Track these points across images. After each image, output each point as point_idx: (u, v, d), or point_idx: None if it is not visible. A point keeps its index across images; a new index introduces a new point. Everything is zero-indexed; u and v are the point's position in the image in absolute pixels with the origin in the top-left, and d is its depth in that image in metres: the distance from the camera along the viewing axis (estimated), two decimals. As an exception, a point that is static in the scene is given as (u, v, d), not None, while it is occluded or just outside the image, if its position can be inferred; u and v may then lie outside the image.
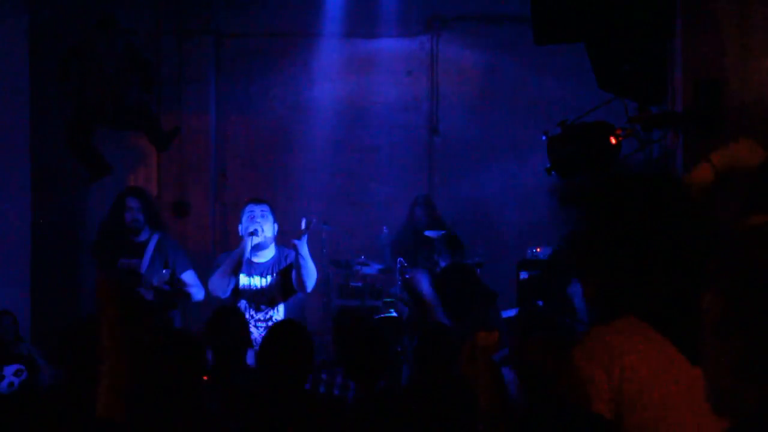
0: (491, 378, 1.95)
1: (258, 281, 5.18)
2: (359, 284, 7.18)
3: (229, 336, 4.07)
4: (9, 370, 5.22)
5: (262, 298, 5.15)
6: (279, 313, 5.17)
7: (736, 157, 2.72)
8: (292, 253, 5.10)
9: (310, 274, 5.06)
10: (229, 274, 5.09)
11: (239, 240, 5.18)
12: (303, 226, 4.98)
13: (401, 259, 6.70)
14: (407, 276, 6.53)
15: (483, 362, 1.96)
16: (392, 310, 6.61)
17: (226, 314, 4.30)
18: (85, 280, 7.63)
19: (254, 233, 5.05)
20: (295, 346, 3.32)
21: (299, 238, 4.95)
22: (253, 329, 4.97)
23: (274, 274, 5.18)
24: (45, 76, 7.27)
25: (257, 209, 5.14)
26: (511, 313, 5.57)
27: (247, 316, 4.98)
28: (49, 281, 7.36)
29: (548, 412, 1.67)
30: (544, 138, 3.94)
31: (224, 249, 7.71)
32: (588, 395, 1.65)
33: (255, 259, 5.18)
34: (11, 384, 5.25)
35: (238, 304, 5.12)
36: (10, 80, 7.13)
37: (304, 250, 4.99)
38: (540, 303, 5.42)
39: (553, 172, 3.99)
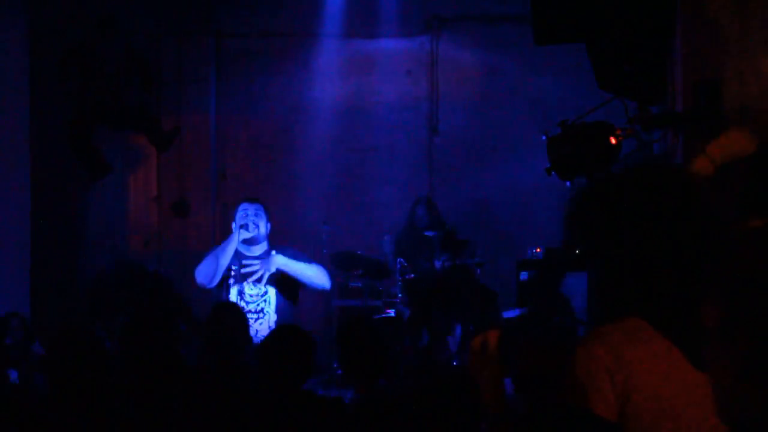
0: (496, 376, 1.94)
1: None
2: (359, 284, 7.18)
3: (229, 332, 4.08)
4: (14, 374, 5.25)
5: (251, 275, 5.17)
6: (270, 306, 5.17)
7: (733, 148, 2.74)
8: (286, 251, 5.17)
9: (311, 277, 5.13)
10: (216, 262, 5.10)
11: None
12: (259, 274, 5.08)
13: (401, 260, 6.71)
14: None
15: (491, 360, 1.95)
16: (392, 310, 6.62)
17: (226, 310, 4.31)
18: (85, 280, 7.64)
19: (245, 227, 5.10)
20: (296, 350, 3.34)
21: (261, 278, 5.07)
22: None
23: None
24: (45, 76, 7.27)
25: (251, 208, 5.22)
26: (513, 313, 5.58)
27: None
28: (49, 281, 7.37)
29: (549, 416, 1.66)
30: (544, 138, 3.94)
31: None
32: (592, 399, 1.64)
33: (247, 253, 5.22)
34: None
35: (229, 297, 5.14)
36: (10, 80, 7.14)
37: (283, 264, 5.09)
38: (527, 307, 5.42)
39: (552, 172, 3.99)
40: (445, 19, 8.21)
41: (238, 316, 4.23)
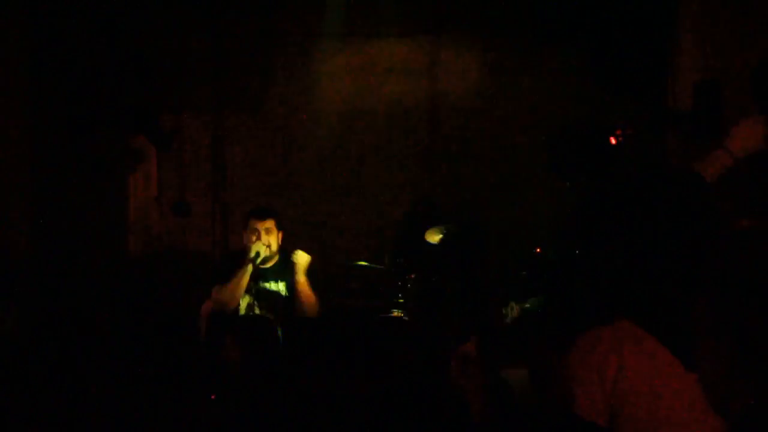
0: (480, 385, 1.96)
1: (267, 286, 5.22)
2: (359, 284, 7.18)
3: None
4: None
5: (269, 297, 5.17)
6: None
7: (751, 141, 2.62)
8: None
9: (309, 304, 5.13)
10: (233, 293, 5.07)
11: (241, 244, 5.23)
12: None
13: (401, 260, 6.70)
14: None
15: (471, 371, 1.97)
16: (395, 310, 6.62)
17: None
18: (84, 280, 7.64)
19: (257, 254, 5.07)
20: (259, 337, 3.35)
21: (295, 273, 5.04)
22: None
23: (283, 278, 5.22)
24: (45, 76, 7.27)
25: (262, 228, 5.16)
26: None
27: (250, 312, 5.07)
28: (48, 281, 7.36)
29: (545, 417, 1.68)
30: (544, 138, 3.95)
31: (224, 249, 7.70)
32: (581, 402, 1.64)
33: (262, 266, 5.21)
34: None
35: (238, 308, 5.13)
36: (10, 80, 7.14)
37: (301, 277, 5.08)
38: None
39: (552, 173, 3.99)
40: (445, 20, 8.21)
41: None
